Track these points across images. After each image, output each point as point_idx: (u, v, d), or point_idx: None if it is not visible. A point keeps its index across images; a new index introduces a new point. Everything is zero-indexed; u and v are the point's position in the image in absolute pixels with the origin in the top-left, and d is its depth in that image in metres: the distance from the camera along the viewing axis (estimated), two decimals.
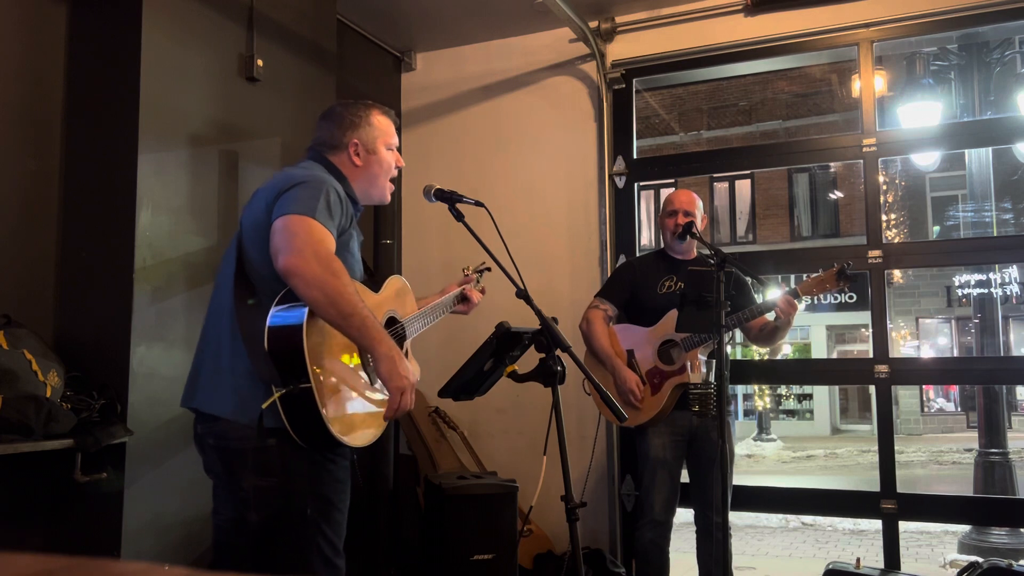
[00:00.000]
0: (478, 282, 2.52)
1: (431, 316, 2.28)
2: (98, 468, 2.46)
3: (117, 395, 2.53)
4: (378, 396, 1.96)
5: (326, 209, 1.85)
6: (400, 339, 2.10)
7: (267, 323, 1.80)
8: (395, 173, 2.18)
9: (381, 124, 2.14)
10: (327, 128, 2.12)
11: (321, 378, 1.78)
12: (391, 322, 2.09)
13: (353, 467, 2.04)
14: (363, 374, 1.94)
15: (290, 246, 1.77)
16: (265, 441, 1.85)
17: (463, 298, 2.45)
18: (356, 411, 1.91)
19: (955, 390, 18.97)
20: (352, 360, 1.92)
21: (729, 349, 3.15)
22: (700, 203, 3.28)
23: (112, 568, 0.50)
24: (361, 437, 1.90)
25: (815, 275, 2.94)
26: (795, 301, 2.96)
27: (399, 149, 2.20)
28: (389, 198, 2.20)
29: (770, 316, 3.07)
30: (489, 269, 2.40)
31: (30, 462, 2.34)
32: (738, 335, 3.20)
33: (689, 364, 3.02)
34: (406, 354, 2.11)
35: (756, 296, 3.26)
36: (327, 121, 2.14)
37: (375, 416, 1.96)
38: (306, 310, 1.78)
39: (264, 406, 1.77)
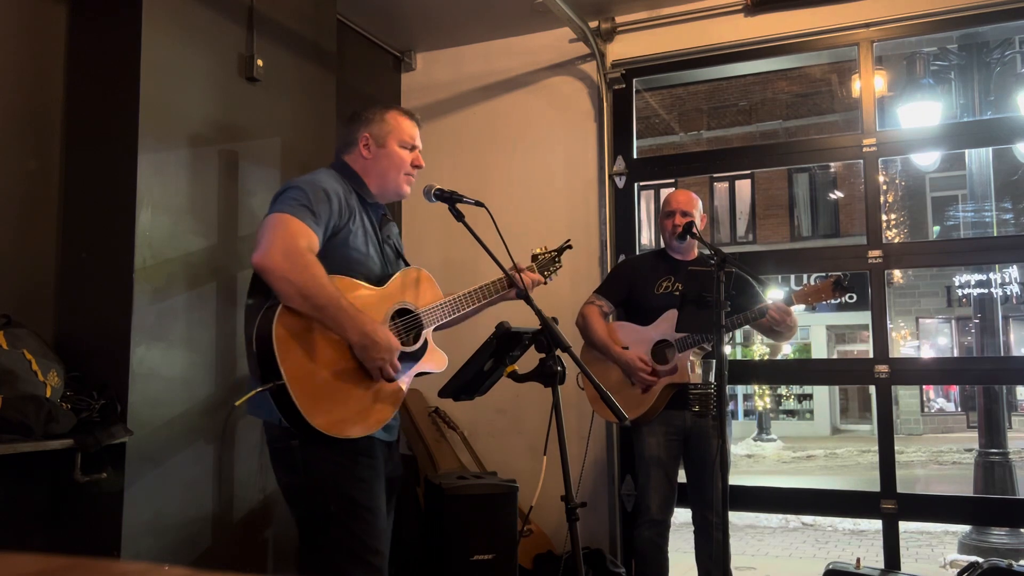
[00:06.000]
0: (550, 272, 2.39)
1: (461, 305, 2.19)
2: (98, 468, 2.46)
3: (117, 395, 2.53)
4: (377, 386, 1.98)
5: (307, 207, 1.92)
6: (417, 329, 2.09)
7: (254, 324, 1.88)
8: (410, 170, 2.20)
9: (396, 121, 2.18)
10: (344, 128, 2.23)
11: (300, 374, 1.84)
12: (402, 313, 2.08)
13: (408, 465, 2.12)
14: (358, 368, 1.95)
15: (261, 243, 1.86)
16: (288, 442, 1.95)
17: (510, 283, 2.24)
18: (347, 403, 1.93)
19: (955, 390, 18.98)
20: (343, 355, 1.93)
21: (728, 349, 3.15)
22: (699, 203, 3.28)
23: (112, 568, 0.50)
24: (354, 428, 1.93)
25: (812, 284, 2.94)
26: (789, 309, 2.96)
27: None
28: (408, 193, 2.22)
29: None
30: (559, 251, 2.39)
31: (30, 462, 2.34)
32: (738, 335, 3.21)
33: (689, 365, 3.02)
34: (425, 344, 2.11)
35: (760, 293, 3.26)
36: (346, 122, 2.24)
37: (376, 407, 1.98)
38: (278, 310, 1.85)
39: (236, 404, 1.92)
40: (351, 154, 2.17)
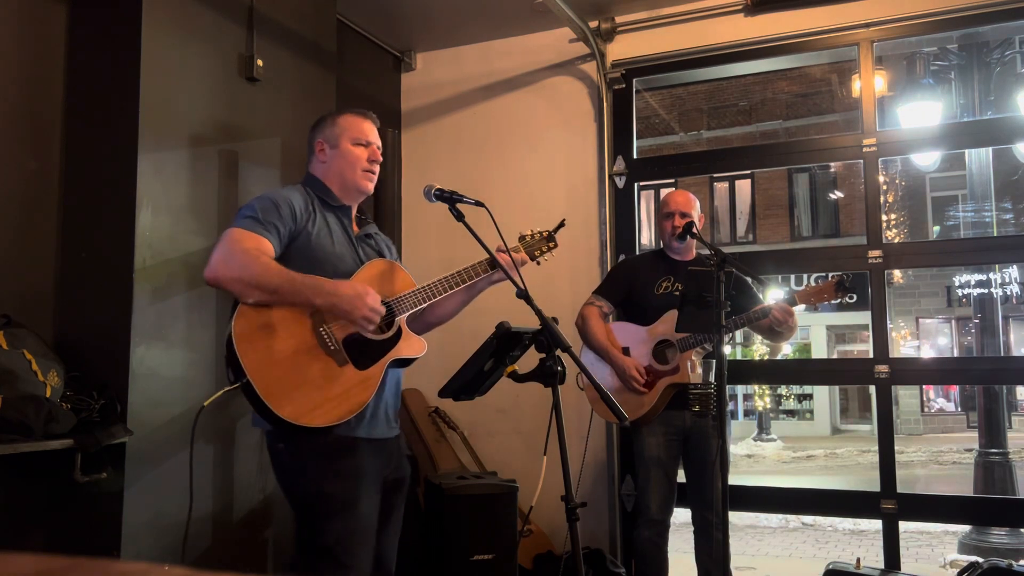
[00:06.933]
0: (541, 253, 2.36)
1: (435, 290, 2.16)
2: (98, 468, 2.46)
3: (117, 395, 2.53)
4: (347, 375, 1.99)
5: (252, 218, 2.00)
6: (388, 317, 2.09)
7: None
8: (368, 166, 2.22)
9: (347, 122, 2.23)
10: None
11: (261, 368, 1.90)
12: None
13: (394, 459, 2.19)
14: (325, 358, 1.98)
15: (208, 260, 1.96)
16: (276, 446, 2.04)
17: (492, 264, 2.19)
18: (312, 392, 1.95)
19: (955, 390, 18.97)
20: (307, 347, 1.97)
21: (728, 349, 3.15)
22: (697, 203, 3.28)
23: (112, 568, 0.50)
24: (323, 416, 1.95)
25: (814, 284, 2.95)
26: (792, 309, 2.97)
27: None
28: (370, 188, 2.24)
29: None
30: (545, 233, 2.37)
31: (30, 462, 2.34)
32: (738, 335, 3.22)
33: (689, 365, 3.02)
34: (399, 331, 2.10)
35: (759, 294, 3.26)
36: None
37: (346, 394, 1.99)
38: (236, 309, 1.93)
39: (205, 404, 2.11)
40: (313, 163, 2.24)
